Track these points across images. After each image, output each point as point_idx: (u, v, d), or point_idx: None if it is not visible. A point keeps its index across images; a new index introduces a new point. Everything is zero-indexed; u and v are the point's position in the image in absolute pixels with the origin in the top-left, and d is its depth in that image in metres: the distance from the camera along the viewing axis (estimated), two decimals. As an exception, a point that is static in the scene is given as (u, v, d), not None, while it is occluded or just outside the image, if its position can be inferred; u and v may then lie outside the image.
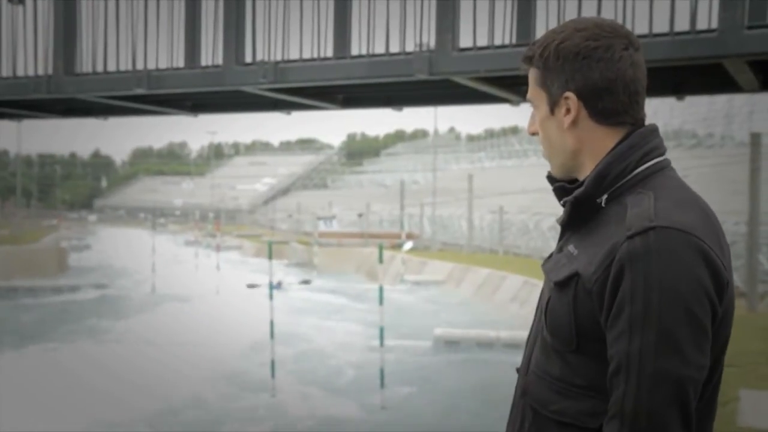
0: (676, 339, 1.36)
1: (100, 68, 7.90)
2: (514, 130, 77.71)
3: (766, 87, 6.85)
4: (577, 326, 1.48)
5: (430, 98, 8.47)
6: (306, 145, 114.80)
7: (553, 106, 1.56)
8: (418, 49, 6.43)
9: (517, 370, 1.78)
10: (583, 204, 1.53)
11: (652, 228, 1.39)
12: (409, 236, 34.97)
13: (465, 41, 6.44)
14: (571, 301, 1.48)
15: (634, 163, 1.52)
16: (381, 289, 11.67)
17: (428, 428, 11.16)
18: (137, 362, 15.15)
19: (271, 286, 12.86)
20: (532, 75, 1.59)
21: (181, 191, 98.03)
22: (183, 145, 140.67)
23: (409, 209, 39.81)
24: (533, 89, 1.60)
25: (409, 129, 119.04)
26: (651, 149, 1.54)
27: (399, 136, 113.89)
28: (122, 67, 7.80)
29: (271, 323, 12.37)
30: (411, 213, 40.09)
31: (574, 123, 1.55)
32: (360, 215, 39.56)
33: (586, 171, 1.57)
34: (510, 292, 21.48)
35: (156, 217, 58.49)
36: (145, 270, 29.26)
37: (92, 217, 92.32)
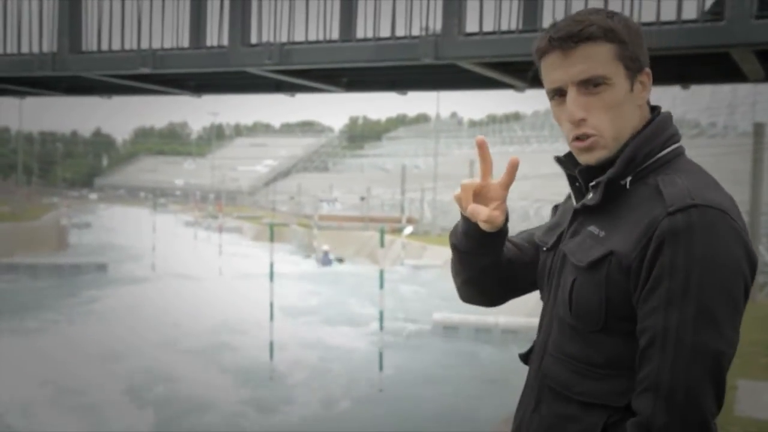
0: (715, 315, 1.37)
1: (105, 47, 7.89)
2: (516, 116, 77.63)
3: (772, 77, 6.84)
4: (608, 306, 1.48)
5: (434, 83, 8.46)
6: (307, 127, 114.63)
7: (632, 82, 1.53)
8: (424, 33, 6.42)
9: (521, 357, 1.78)
10: (610, 185, 1.53)
11: (694, 206, 1.39)
12: (409, 221, 34.99)
13: (471, 26, 6.42)
14: (603, 281, 1.48)
15: (659, 147, 1.53)
16: (381, 273, 11.69)
17: (425, 412, 11.22)
18: (133, 340, 15.21)
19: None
20: (605, 50, 1.49)
21: (181, 171, 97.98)
22: (184, 125, 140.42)
23: (409, 194, 39.80)
24: (608, 65, 1.49)
25: (411, 113, 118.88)
26: (672, 134, 1.57)
27: (401, 120, 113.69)
28: (127, 46, 7.78)
29: (271, 305, 12.40)
30: (412, 197, 40.09)
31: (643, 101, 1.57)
32: (362, 199, 39.55)
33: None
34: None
35: (156, 196, 58.44)
36: (145, 249, 29.30)
37: (93, 196, 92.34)
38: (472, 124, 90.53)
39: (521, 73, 7.31)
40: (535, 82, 7.49)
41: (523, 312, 17.59)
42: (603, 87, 1.50)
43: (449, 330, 15.83)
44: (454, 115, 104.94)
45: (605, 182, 1.52)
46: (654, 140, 1.53)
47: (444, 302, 19.99)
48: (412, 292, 21.86)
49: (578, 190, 1.64)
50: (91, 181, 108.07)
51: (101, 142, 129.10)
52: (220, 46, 7.43)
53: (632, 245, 1.44)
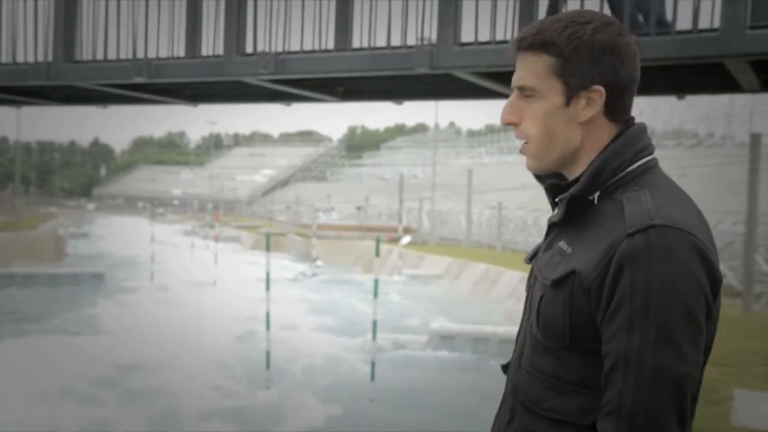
0: (675, 336, 1.36)
1: (100, 56, 7.88)
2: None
3: (767, 87, 6.84)
4: (572, 325, 1.48)
5: (430, 92, 8.46)
6: (306, 137, 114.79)
7: (570, 98, 1.51)
8: (419, 42, 6.42)
9: (503, 367, 1.80)
10: (577, 201, 1.52)
11: (652, 226, 1.38)
12: (407, 230, 34.95)
13: (466, 36, 6.43)
14: (567, 300, 1.48)
15: (628, 161, 1.51)
16: (376, 282, 11.66)
17: (417, 423, 11.16)
18: (130, 350, 15.16)
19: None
20: (543, 63, 1.50)
21: (179, 181, 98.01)
22: (182, 134, 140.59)
23: (407, 203, 39.80)
24: (542, 77, 1.51)
25: (409, 123, 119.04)
26: (643, 147, 1.54)
27: (399, 130, 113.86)
28: (122, 56, 7.78)
29: (267, 315, 12.37)
30: (410, 207, 40.09)
31: (590, 118, 1.52)
32: (359, 208, 39.56)
33: (579, 167, 1.56)
34: (507, 288, 21.47)
35: (155, 206, 58.43)
36: (142, 258, 29.25)
37: (90, 206, 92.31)
38: (471, 133, 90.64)
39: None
40: (531, 91, 7.49)
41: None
42: (533, 98, 1.52)
43: (446, 340, 15.76)
44: (452, 124, 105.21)
45: (567, 199, 1.52)
46: (623, 154, 1.51)
47: (441, 312, 19.96)
48: (408, 302, 21.81)
49: (554, 202, 1.64)
50: (89, 191, 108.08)
51: (99, 151, 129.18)
52: (215, 56, 7.43)
53: (593, 266, 1.43)
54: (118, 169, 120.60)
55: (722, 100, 39.79)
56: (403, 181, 40.88)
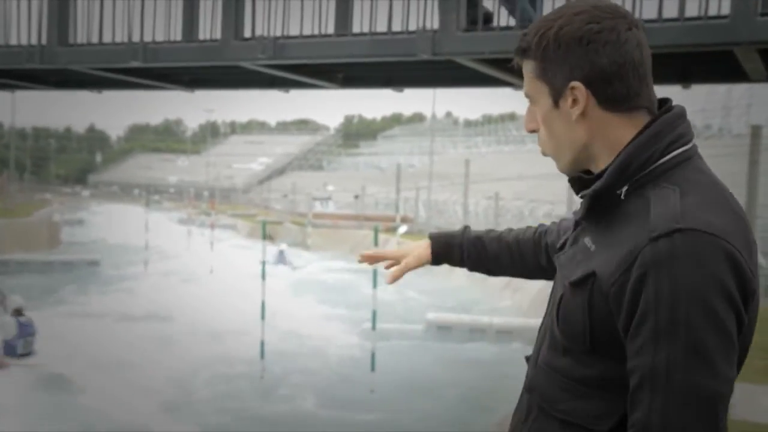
0: (706, 351, 1.24)
1: (95, 39, 7.74)
2: (512, 117, 77.52)
3: (775, 77, 6.73)
4: (592, 328, 1.38)
5: (431, 80, 8.34)
6: (303, 125, 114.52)
7: (557, 99, 1.44)
8: (421, 28, 6.29)
9: (527, 359, 1.68)
10: (602, 197, 1.42)
11: (678, 230, 1.27)
12: (404, 220, 34.86)
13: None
14: (586, 303, 1.38)
15: (659, 153, 1.39)
16: (375, 272, 11.56)
17: (417, 413, 11.10)
18: (123, 337, 15.06)
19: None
20: (529, 68, 1.47)
21: (176, 168, 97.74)
22: (179, 122, 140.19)
23: (404, 193, 39.70)
24: (531, 83, 1.48)
25: (406, 112, 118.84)
26: (678, 137, 1.41)
27: (396, 120, 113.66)
28: (118, 39, 7.64)
29: (263, 304, 12.27)
30: (407, 197, 40.00)
31: (583, 114, 1.43)
32: (356, 197, 39.43)
33: (600, 162, 1.46)
34: (503, 279, 21.34)
35: (150, 193, 58.22)
36: (138, 246, 29.13)
37: (86, 193, 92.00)
38: (468, 123, 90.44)
39: (520, 71, 7.18)
40: (534, 79, 7.37)
41: (517, 313, 17.51)
42: (534, 104, 1.50)
43: (443, 330, 15.69)
44: (449, 114, 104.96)
45: (590, 196, 1.43)
46: (653, 145, 1.39)
47: (438, 301, 19.90)
48: (404, 291, 21.73)
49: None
50: (84, 178, 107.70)
51: (95, 138, 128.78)
52: (212, 40, 7.30)
53: (613, 269, 1.33)
54: (114, 156, 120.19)
55: (720, 91, 39.69)
56: (399, 170, 40.80)
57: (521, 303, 18.81)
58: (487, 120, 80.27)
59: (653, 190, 1.36)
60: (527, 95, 1.51)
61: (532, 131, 1.53)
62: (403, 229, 31.25)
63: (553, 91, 1.44)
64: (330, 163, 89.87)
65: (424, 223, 36.28)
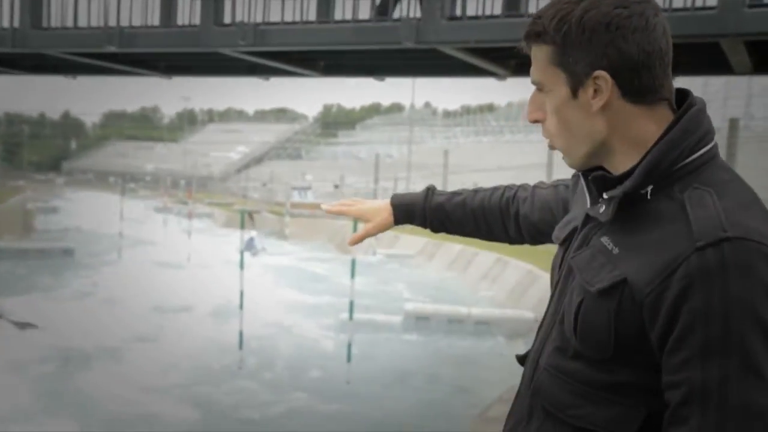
0: (759, 366, 1.17)
1: (69, 23, 7.54)
2: (491, 107, 77.67)
3: (759, 69, 6.70)
4: (617, 337, 1.29)
5: (414, 69, 8.23)
6: (281, 114, 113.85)
7: (576, 88, 1.33)
8: (405, 15, 6.19)
9: (518, 358, 1.58)
10: (628, 196, 1.32)
11: (726, 239, 1.18)
12: (383, 210, 34.74)
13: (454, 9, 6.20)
14: (614, 311, 1.28)
15: (688, 151, 1.31)
16: (353, 263, 11.47)
17: (394, 404, 11.04)
18: (97, 326, 14.87)
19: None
20: (543, 53, 1.35)
21: (152, 156, 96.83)
22: (156, 109, 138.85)
23: (382, 183, 39.62)
24: (545, 70, 1.36)
25: (385, 102, 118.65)
26: (704, 133, 1.33)
27: (375, 109, 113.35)
28: (93, 23, 7.46)
29: (241, 293, 12.14)
30: (385, 187, 39.92)
31: (605, 106, 1.32)
32: (336, 187, 39.26)
33: (617, 158, 1.36)
34: (481, 269, 21.43)
35: (126, 181, 57.61)
36: (112, 234, 28.82)
37: (60, 180, 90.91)
38: (447, 114, 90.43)
39: (504, 60, 7.10)
40: (518, 70, 7.30)
41: (495, 304, 17.51)
42: (546, 92, 1.37)
43: (421, 321, 15.65)
44: (428, 104, 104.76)
45: (620, 198, 1.32)
46: (682, 143, 1.30)
47: (417, 292, 19.86)
48: (384, 281, 21.68)
49: (592, 188, 1.43)
50: (58, 165, 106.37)
51: (70, 125, 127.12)
52: (191, 26, 7.15)
53: (649, 277, 1.24)
54: (89, 143, 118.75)
55: (695, 84, 39.91)
56: (378, 160, 40.71)
57: (499, 294, 18.83)
58: (466, 110, 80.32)
59: (685, 191, 1.28)
60: (536, 83, 1.40)
61: (536, 121, 1.42)
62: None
63: (572, 79, 1.33)
64: (308, 152, 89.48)
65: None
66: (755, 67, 6.60)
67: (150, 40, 7.30)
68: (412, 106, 59.08)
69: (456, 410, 10.35)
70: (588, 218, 1.44)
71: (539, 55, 1.36)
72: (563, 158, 1.43)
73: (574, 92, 1.33)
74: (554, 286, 1.51)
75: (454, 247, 24.14)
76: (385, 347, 14.08)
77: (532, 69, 1.39)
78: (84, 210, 46.94)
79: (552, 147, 1.44)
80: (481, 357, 13.60)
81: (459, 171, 35.66)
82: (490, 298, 18.57)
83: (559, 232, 1.56)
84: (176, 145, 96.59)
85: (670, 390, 1.22)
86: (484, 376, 12.15)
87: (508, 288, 18.69)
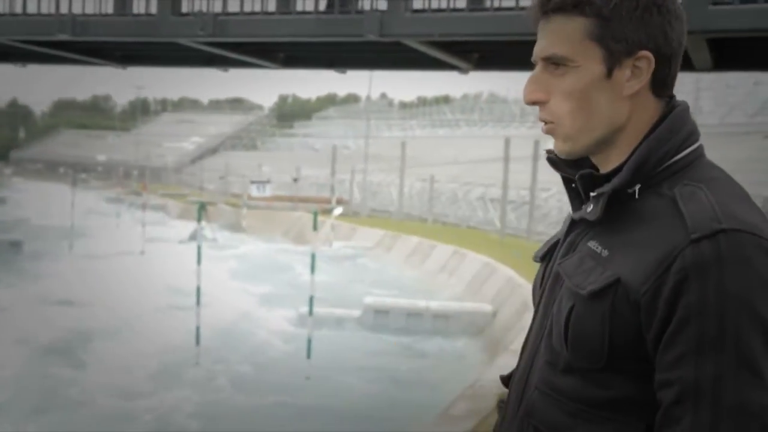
0: (756, 363, 1.12)
1: (18, 9, 7.27)
2: (446, 99, 77.85)
3: (719, 66, 6.76)
4: (612, 343, 1.23)
5: (375, 61, 8.14)
6: (236, 104, 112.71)
7: (612, 67, 1.27)
8: (368, 8, 6.08)
9: (502, 379, 1.52)
10: (616, 195, 1.28)
11: (721, 231, 1.14)
12: (339, 201, 34.67)
13: (417, 3, 6.12)
14: (608, 314, 1.22)
15: (675, 149, 1.28)
16: (313, 257, 11.36)
17: (354, 400, 10.97)
18: (46, 322, 14.51)
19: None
20: (577, 26, 1.27)
21: (104, 146, 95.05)
22: (107, 98, 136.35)
23: (339, 175, 39.48)
24: (577, 44, 1.27)
25: (341, 93, 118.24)
26: (690, 132, 1.30)
27: (331, 100, 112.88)
28: (44, 10, 7.20)
29: (198, 288, 11.94)
30: (341, 178, 39.78)
31: (637, 91, 1.28)
32: (295, 180, 38.97)
33: (616, 152, 1.31)
34: (439, 262, 21.46)
35: (77, 172, 56.44)
36: (63, 226, 28.20)
37: (8, 170, 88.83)
38: (403, 105, 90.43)
39: (466, 54, 7.05)
40: (481, 63, 7.25)
41: (453, 297, 17.53)
42: (565, 69, 1.27)
43: (380, 314, 15.58)
44: (384, 96, 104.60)
45: (609, 194, 1.27)
46: (669, 141, 1.27)
47: (375, 285, 19.79)
48: (341, 274, 21.58)
49: (575, 194, 1.37)
50: (6, 155, 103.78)
51: (18, 113, 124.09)
52: (147, 14, 6.95)
53: (644, 275, 1.19)
54: (38, 132, 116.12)
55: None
56: (335, 151, 40.52)
57: (456, 287, 18.87)
58: (422, 102, 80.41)
59: (674, 188, 1.24)
60: (557, 57, 1.29)
61: (534, 103, 1.32)
62: (338, 210, 31.11)
63: (610, 57, 1.26)
64: (264, 143, 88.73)
65: (358, 204, 36.15)
66: (715, 64, 6.66)
67: (104, 28, 7.07)
68: (369, 97, 58.91)
69: (418, 407, 10.30)
70: (572, 225, 1.38)
71: (571, 26, 1.27)
72: (560, 144, 1.34)
73: (610, 71, 1.27)
74: (537, 302, 1.45)
75: (411, 239, 24.13)
76: (344, 342, 13.99)
77: (550, 41, 1.29)
78: (33, 201, 45.87)
79: (549, 131, 1.34)
80: (439, 351, 13.62)
81: (414, 164, 35.63)
82: (449, 291, 18.61)
83: (540, 250, 1.50)
84: (129, 134, 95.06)
85: (663, 389, 1.17)
86: (444, 371, 12.15)
87: (466, 280, 18.75)
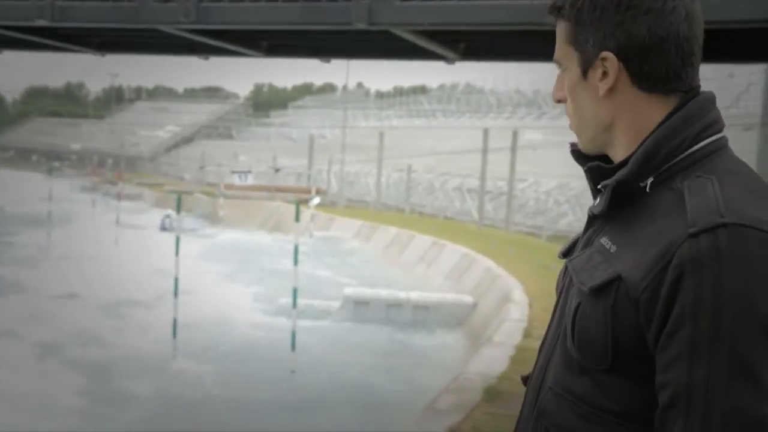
0: (754, 367, 1.06)
1: (-5, -6, 7.09)
2: (423, 89, 77.80)
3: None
4: (615, 342, 1.19)
5: (360, 51, 8.04)
6: (212, 93, 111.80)
7: (586, 69, 1.28)
8: (357, -5, 5.98)
9: (523, 379, 1.49)
10: (625, 189, 1.24)
11: (722, 225, 1.10)
12: (318, 191, 34.55)
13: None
14: (609, 311, 1.19)
15: (690, 140, 1.23)
16: (296, 249, 11.26)
17: (338, 392, 10.92)
18: (22, 313, 14.30)
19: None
20: (561, 30, 1.32)
21: (77, 134, 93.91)
22: (81, 85, 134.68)
23: (317, 166, 39.35)
24: (561, 47, 1.32)
25: (318, 82, 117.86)
26: (710, 123, 1.26)
27: (307, 89, 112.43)
28: (21, -5, 7.01)
29: (176, 280, 11.81)
30: (318, 168, 39.64)
31: (612, 90, 1.26)
32: (277, 171, 38.80)
33: (620, 148, 1.29)
34: (418, 252, 21.45)
35: (50, 160, 55.70)
36: (37, 215, 27.81)
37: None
38: (379, 95, 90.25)
39: (454, 44, 6.98)
40: (467, 54, 7.19)
41: (432, 288, 17.52)
42: (562, 70, 1.34)
43: (360, 306, 15.52)
44: (360, 85, 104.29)
45: (612, 187, 1.24)
46: (683, 131, 1.23)
47: (354, 276, 19.74)
48: (320, 265, 21.48)
49: (596, 189, 1.35)
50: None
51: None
52: (129, 0, 6.78)
53: (643, 272, 1.15)
54: (9, 119, 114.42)
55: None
56: (312, 141, 40.37)
57: (434, 278, 18.86)
58: (398, 92, 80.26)
59: (685, 180, 1.20)
60: (556, 60, 1.36)
61: (559, 101, 1.37)
62: (316, 200, 31.03)
63: (582, 59, 1.29)
64: (240, 132, 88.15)
65: (336, 194, 36.06)
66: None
67: (84, 14, 6.89)
68: (345, 87, 58.75)
69: (398, 395, 10.28)
70: (591, 221, 1.35)
71: (559, 31, 1.33)
72: (578, 140, 1.38)
73: (584, 73, 1.29)
74: (557, 300, 1.42)
75: (390, 230, 24.10)
76: (326, 334, 13.92)
77: (556, 45, 1.36)
78: (5, 190, 45.21)
79: (570, 128, 1.39)
80: (421, 342, 13.60)
81: (392, 156, 35.56)
82: (427, 281, 18.59)
83: (564, 247, 1.48)
84: (103, 123, 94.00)
85: (660, 390, 1.13)
86: (426, 363, 12.13)
87: (445, 271, 18.75)
